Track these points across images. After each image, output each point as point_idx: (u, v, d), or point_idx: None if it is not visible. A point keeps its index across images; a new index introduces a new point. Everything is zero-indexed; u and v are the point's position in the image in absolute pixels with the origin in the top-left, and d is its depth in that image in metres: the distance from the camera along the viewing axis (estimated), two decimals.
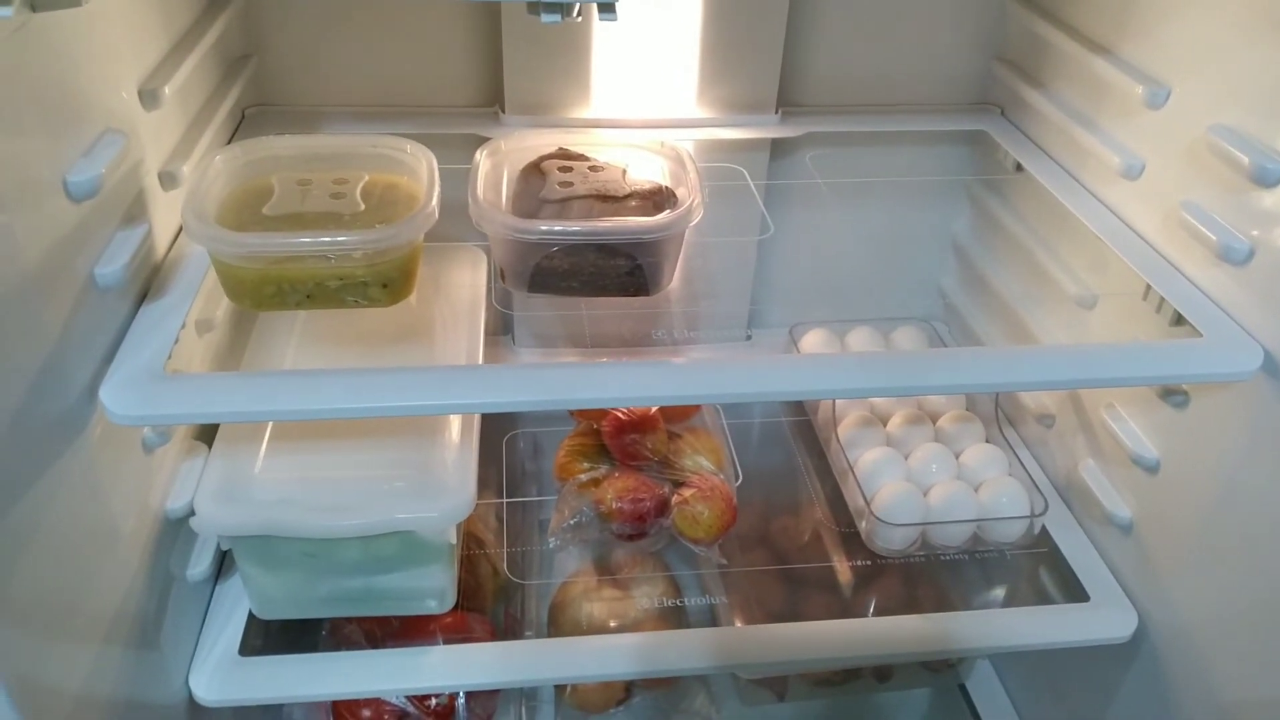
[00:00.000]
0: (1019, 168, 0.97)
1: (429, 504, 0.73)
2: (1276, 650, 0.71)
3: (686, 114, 0.97)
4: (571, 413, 0.95)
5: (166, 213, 0.72)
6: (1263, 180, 0.68)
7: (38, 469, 0.56)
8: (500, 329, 1.09)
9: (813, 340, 1.06)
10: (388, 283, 0.67)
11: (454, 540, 0.76)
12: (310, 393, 0.62)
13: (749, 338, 1.13)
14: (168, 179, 0.73)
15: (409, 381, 0.64)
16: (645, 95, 0.96)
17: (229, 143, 0.88)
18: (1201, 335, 0.71)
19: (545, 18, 0.48)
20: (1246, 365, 0.68)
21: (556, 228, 0.66)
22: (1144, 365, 0.70)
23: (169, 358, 0.63)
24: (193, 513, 0.71)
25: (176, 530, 0.74)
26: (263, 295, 0.66)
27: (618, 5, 0.49)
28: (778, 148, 1.01)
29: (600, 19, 0.50)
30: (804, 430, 1.05)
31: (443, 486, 0.74)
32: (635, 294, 0.71)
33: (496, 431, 1.00)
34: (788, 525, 1.04)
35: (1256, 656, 0.73)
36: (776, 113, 0.98)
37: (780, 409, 1.08)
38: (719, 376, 0.66)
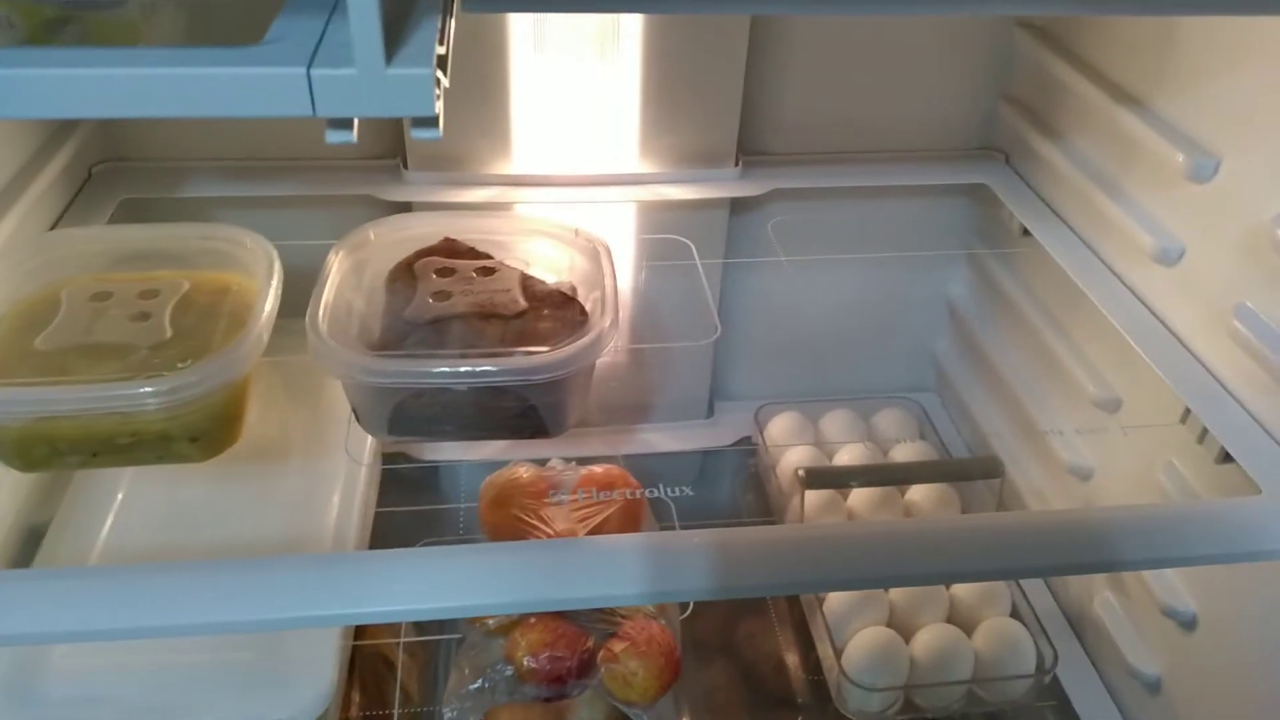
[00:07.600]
0: (1025, 232, 0.81)
1: (276, 697, 0.57)
2: None
3: (628, 169, 0.81)
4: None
5: None
6: None
7: None
8: None
9: (782, 425, 0.90)
10: (197, 435, 0.51)
11: None
12: (96, 609, 0.46)
13: (710, 416, 0.97)
14: None
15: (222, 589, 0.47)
16: (578, 147, 0.80)
17: (65, 211, 0.73)
18: (1260, 490, 0.56)
19: (331, 137, 0.32)
20: None
21: (413, 369, 0.50)
22: (1180, 544, 0.53)
23: None
24: None
25: None
26: (34, 457, 0.51)
27: (440, 119, 0.33)
28: (739, 206, 0.85)
29: (414, 136, 0.34)
30: None
31: (292, 672, 0.58)
32: (530, 436, 0.55)
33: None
34: (753, 631, 0.89)
35: None
36: (736, 165, 0.82)
37: (745, 513, 0.93)
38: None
